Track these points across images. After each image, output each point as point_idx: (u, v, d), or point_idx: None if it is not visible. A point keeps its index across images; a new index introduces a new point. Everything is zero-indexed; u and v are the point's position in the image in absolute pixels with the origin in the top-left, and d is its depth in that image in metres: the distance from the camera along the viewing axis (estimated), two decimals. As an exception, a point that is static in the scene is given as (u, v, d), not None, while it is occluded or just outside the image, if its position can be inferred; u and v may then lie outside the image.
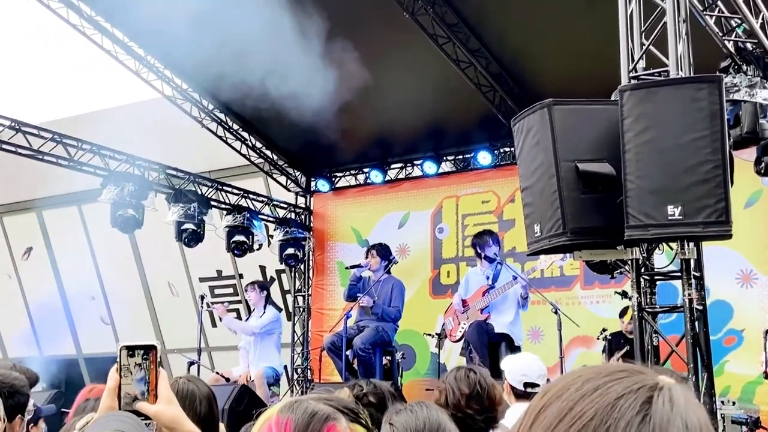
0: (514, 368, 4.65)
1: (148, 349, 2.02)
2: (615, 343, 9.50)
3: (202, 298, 10.87)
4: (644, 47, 5.63)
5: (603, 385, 0.90)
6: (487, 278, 9.10)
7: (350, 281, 9.98)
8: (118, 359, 2.00)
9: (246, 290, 10.92)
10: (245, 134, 12.25)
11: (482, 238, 9.33)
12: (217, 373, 9.91)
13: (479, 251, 9.33)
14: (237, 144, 12.31)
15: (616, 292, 8.82)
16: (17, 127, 10.11)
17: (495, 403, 3.69)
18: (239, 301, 11.07)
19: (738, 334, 9.52)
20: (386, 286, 9.59)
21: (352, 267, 10.09)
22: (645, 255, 5.50)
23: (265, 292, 10.58)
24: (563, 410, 0.88)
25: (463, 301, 9.22)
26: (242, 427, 4.40)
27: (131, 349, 2.02)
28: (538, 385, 4.58)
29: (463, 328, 9.12)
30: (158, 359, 2.04)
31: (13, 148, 10.17)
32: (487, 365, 7.86)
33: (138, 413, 1.94)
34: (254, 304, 10.50)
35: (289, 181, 13.02)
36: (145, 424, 1.94)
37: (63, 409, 8.15)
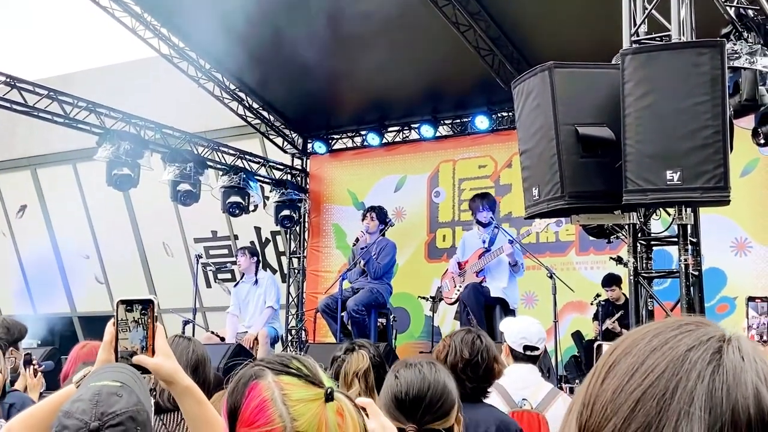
0: (514, 331, 4.63)
1: (146, 304, 2.01)
2: (605, 309, 9.56)
3: (198, 258, 10.85)
4: (646, 11, 5.59)
5: (672, 338, 0.91)
6: (483, 242, 9.10)
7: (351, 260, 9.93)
8: (115, 313, 1.99)
9: (236, 256, 10.82)
10: (242, 95, 12.15)
11: (475, 202, 9.34)
12: (212, 332, 9.93)
13: (474, 215, 9.36)
14: (234, 104, 12.22)
15: (611, 258, 8.84)
16: (12, 83, 10.01)
17: (491, 376, 3.62)
18: (234, 262, 11.07)
19: (731, 301, 9.56)
20: (379, 246, 9.58)
21: (354, 245, 10.05)
22: (642, 220, 5.50)
23: (255, 258, 10.46)
24: (634, 365, 0.90)
25: (459, 264, 9.24)
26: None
27: (129, 304, 2.01)
28: (537, 348, 4.58)
29: (458, 290, 9.14)
30: (155, 314, 2.03)
31: (7, 104, 10.07)
32: (484, 328, 7.86)
33: (136, 366, 1.94)
34: (244, 269, 10.42)
35: (285, 143, 12.96)
36: (143, 377, 1.94)
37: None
